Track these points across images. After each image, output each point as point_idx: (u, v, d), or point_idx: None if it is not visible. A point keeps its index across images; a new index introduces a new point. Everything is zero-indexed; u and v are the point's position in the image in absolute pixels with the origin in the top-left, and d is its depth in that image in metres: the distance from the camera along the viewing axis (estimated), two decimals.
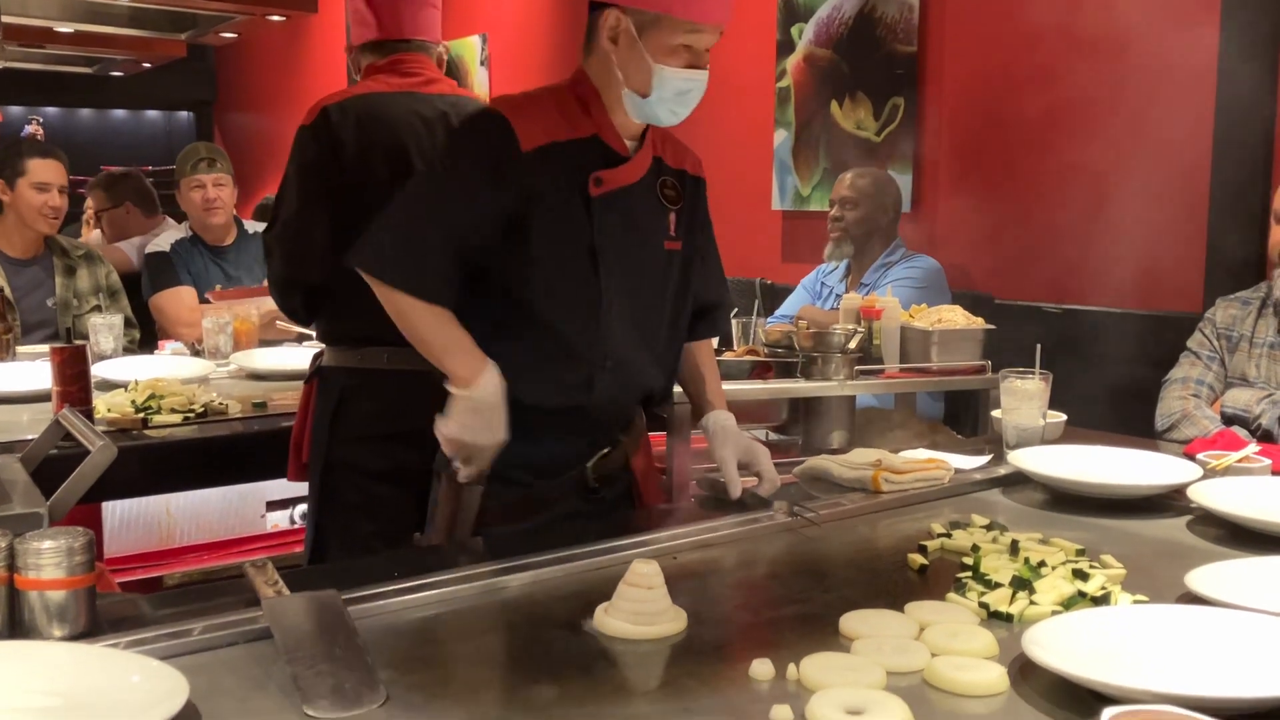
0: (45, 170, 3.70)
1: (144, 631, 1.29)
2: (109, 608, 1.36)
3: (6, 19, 5.55)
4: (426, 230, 1.74)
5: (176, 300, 3.89)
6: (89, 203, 5.29)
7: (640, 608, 1.33)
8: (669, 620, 1.34)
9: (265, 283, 3.91)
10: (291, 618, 1.28)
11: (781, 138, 4.62)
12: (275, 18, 5.46)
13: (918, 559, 1.60)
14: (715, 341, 2.34)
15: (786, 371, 2.60)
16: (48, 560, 1.25)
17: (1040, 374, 2.17)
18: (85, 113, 10.89)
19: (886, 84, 4.16)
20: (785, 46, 4.58)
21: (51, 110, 10.61)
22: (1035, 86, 3.67)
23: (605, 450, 1.91)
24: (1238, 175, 3.19)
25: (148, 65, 8.05)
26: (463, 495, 1.84)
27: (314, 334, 3.49)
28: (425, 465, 1.94)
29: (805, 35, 4.49)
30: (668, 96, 1.77)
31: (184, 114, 10.90)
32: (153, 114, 11.09)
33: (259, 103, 9.37)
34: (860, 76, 4.28)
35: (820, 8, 4.41)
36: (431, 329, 1.75)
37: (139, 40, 6.55)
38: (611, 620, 1.34)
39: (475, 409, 1.72)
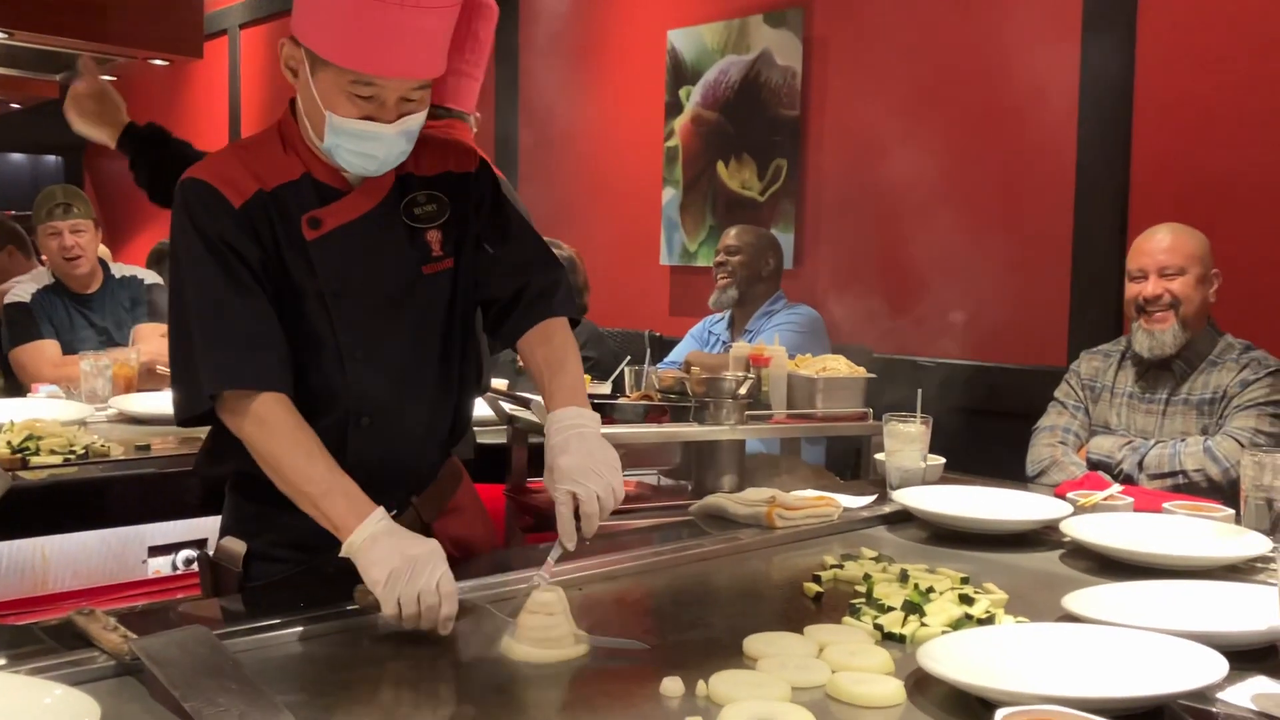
0: None
1: (44, 659, 1.26)
2: (3, 638, 1.33)
3: None
4: (228, 320, 1.56)
5: (38, 354, 3.73)
6: None
7: (544, 634, 1.36)
8: (572, 644, 1.38)
9: (135, 331, 3.85)
10: (168, 655, 1.23)
11: (670, 195, 4.75)
12: (159, 62, 5.37)
13: (813, 587, 1.67)
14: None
15: (680, 416, 2.66)
16: None
17: (921, 418, 2.29)
18: None
19: (770, 146, 4.33)
20: (673, 108, 4.73)
21: None
22: (909, 151, 3.87)
23: (393, 513, 1.59)
24: (1098, 236, 3.41)
25: (16, 106, 7.80)
26: (220, 579, 1.69)
27: None
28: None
29: (693, 97, 4.64)
30: (346, 144, 1.57)
31: (51, 158, 10.56)
32: (17, 157, 10.71)
33: None
34: (745, 138, 4.44)
35: (707, 71, 4.57)
36: (291, 454, 1.51)
37: (10, 80, 6.36)
38: (518, 645, 1.37)
39: (370, 547, 1.43)
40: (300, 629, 1.41)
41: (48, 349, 3.75)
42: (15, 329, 3.78)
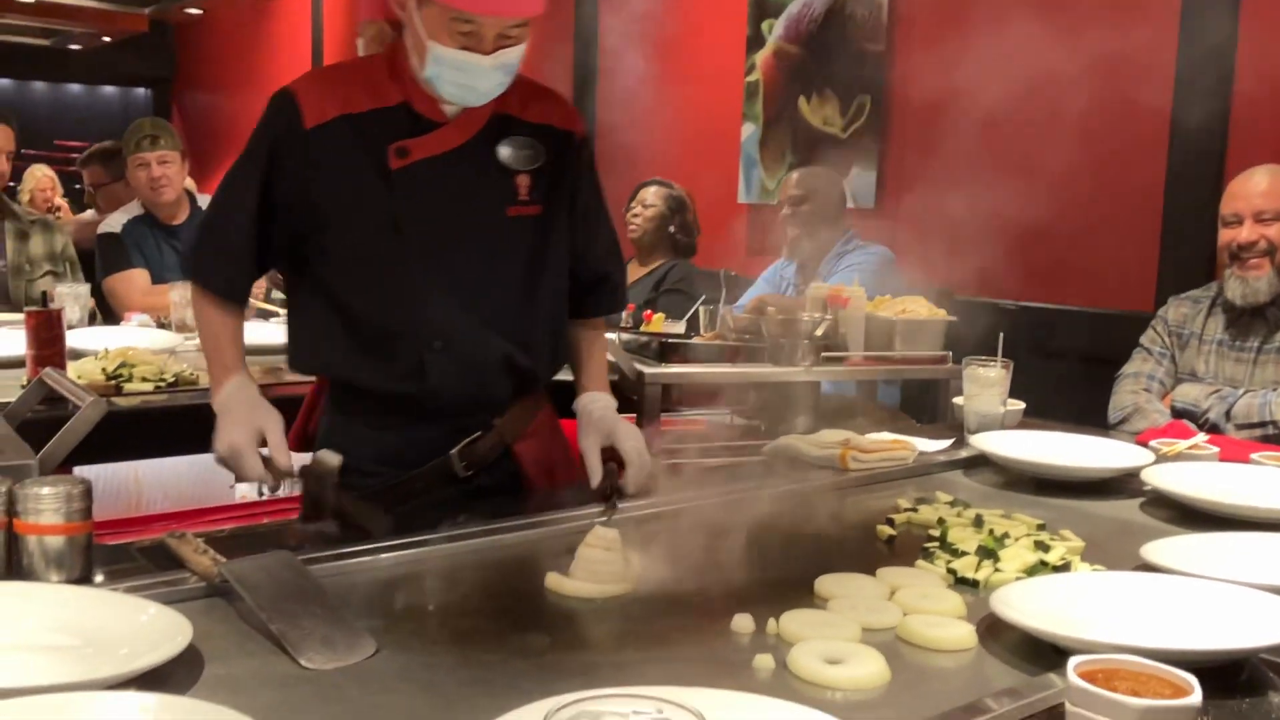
0: None
1: (139, 579, 1.31)
2: (101, 556, 1.38)
3: None
4: (222, 225, 1.77)
5: (128, 283, 3.84)
6: (88, 179, 5.13)
7: (599, 569, 1.39)
8: (623, 582, 1.39)
9: None
10: (255, 579, 1.27)
11: (749, 131, 4.69)
12: None
13: (886, 530, 1.67)
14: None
15: (754, 357, 2.66)
16: (47, 506, 1.27)
17: (1002, 362, 2.25)
18: (39, 85, 10.71)
19: (854, 82, 4.24)
20: (755, 41, 4.65)
21: (3, 81, 10.43)
22: (998, 88, 3.76)
23: (475, 436, 1.79)
24: (1191, 179, 3.30)
25: (107, 39, 7.95)
26: (318, 490, 1.75)
27: (280, 311, 3.48)
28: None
29: (775, 31, 4.56)
30: (446, 75, 1.64)
31: (141, 90, 10.76)
32: (109, 89, 10.93)
33: (220, 82, 9.28)
34: (828, 73, 4.35)
35: (791, 4, 4.48)
36: (206, 333, 1.79)
37: (101, 13, 6.48)
38: (568, 580, 1.38)
39: (220, 418, 1.70)
40: (382, 555, 1.46)
41: (138, 278, 3.86)
42: (108, 258, 3.89)
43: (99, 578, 1.32)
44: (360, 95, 1.70)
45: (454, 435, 1.78)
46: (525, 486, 1.86)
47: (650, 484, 1.75)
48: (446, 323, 1.73)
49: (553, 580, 1.39)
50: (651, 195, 4.05)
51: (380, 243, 1.71)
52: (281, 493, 1.78)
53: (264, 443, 1.69)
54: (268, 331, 3.15)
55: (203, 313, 1.80)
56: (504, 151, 1.74)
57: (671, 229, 4.06)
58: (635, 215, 4.04)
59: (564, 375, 2.68)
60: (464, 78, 1.63)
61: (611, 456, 1.75)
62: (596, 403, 1.83)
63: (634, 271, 4.07)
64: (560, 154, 1.79)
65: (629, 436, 1.76)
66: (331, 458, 1.76)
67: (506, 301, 1.77)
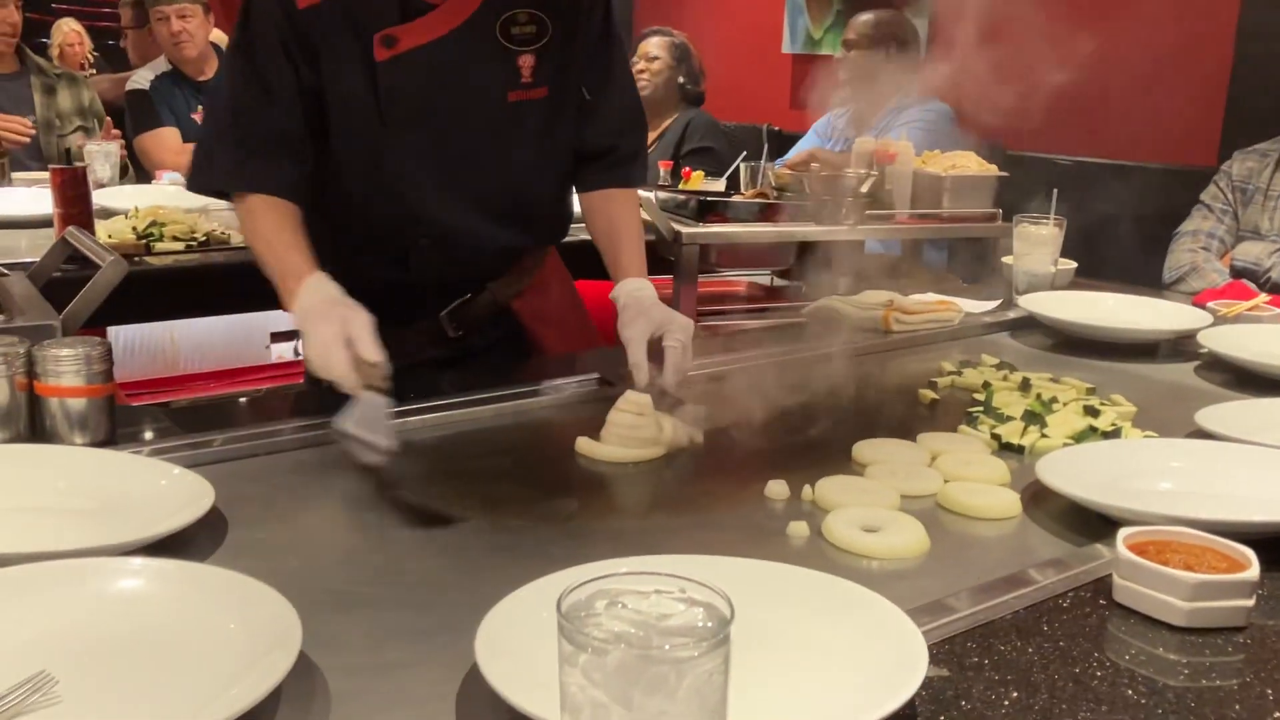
0: None
1: (164, 441, 1.30)
2: (127, 418, 1.37)
3: None
4: (239, 120, 1.55)
5: (159, 142, 3.79)
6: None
7: (631, 433, 1.35)
8: (655, 446, 1.35)
9: None
10: None
11: None
12: None
13: (928, 394, 1.62)
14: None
15: (796, 215, 2.57)
16: (67, 368, 1.25)
17: (1054, 220, 2.16)
18: None
19: None
20: None
21: None
22: None
23: (466, 297, 1.71)
24: (1265, 22, 3.10)
25: None
26: None
27: None
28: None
29: None
30: None
31: None
32: None
33: None
34: None
35: None
36: (260, 241, 1.52)
37: None
38: (599, 445, 1.35)
39: (303, 326, 1.42)
40: (410, 419, 1.43)
41: (168, 136, 3.80)
42: (137, 116, 3.83)
43: (125, 440, 1.30)
44: None
45: (444, 300, 1.71)
46: (528, 343, 1.79)
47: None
48: (436, 219, 1.63)
49: (583, 444, 1.36)
50: (654, 47, 3.86)
51: (369, 134, 1.57)
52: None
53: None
54: None
55: (248, 218, 1.55)
56: (503, 31, 1.57)
57: (680, 79, 3.88)
58: (641, 71, 3.85)
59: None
60: None
61: (655, 349, 1.54)
62: (644, 290, 1.62)
63: None
64: (568, 27, 1.62)
65: (678, 330, 1.54)
66: None
67: (508, 190, 1.66)
